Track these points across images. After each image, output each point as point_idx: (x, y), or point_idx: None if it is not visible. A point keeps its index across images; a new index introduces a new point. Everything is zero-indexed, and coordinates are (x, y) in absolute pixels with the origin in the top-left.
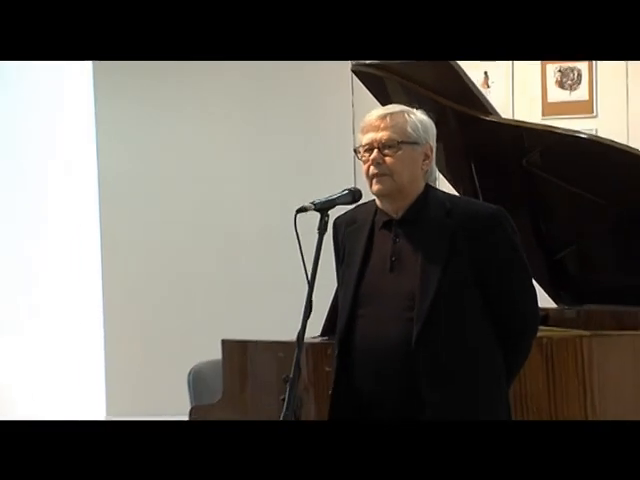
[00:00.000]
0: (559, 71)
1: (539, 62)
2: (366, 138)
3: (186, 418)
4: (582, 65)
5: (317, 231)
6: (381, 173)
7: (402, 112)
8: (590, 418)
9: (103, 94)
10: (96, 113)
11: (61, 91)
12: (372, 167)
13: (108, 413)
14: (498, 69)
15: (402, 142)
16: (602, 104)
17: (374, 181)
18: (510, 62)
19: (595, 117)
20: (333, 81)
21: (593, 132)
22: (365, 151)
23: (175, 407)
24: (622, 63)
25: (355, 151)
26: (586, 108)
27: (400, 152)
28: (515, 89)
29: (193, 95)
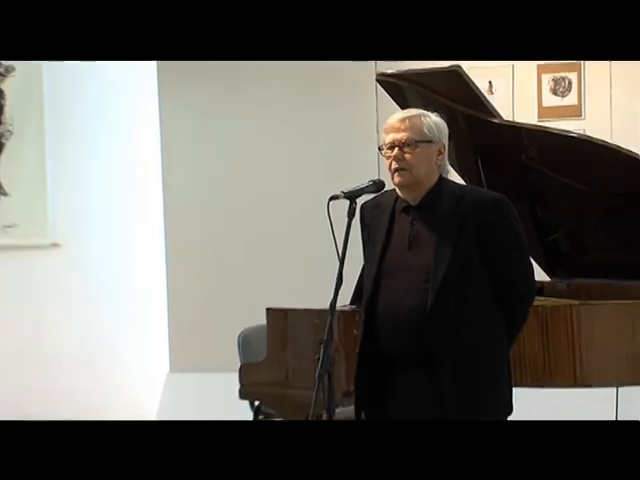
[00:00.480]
0: (552, 80)
1: (536, 72)
2: (388, 138)
3: (236, 374)
4: (572, 75)
5: (347, 215)
6: (401, 168)
7: (419, 115)
8: (578, 374)
9: (166, 94)
10: (160, 108)
11: (129, 91)
12: (394, 162)
13: (171, 370)
14: (500, 78)
15: (419, 141)
16: (589, 108)
17: (395, 174)
18: (511, 72)
19: (583, 119)
20: (360, 89)
21: (581, 131)
22: (388, 149)
23: (228, 364)
24: (606, 73)
25: (379, 149)
26: (575, 111)
27: (417, 150)
28: (515, 95)
29: (242, 98)
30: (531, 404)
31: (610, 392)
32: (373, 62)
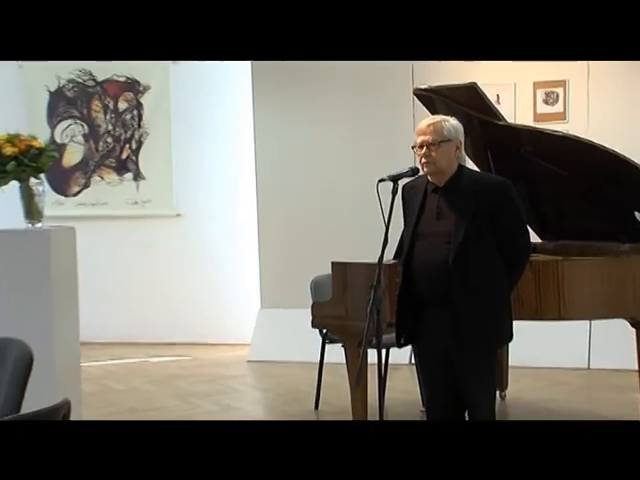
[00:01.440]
0: (545, 93)
1: (532, 87)
2: (418, 139)
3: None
4: (559, 90)
5: (391, 193)
6: (428, 161)
7: (440, 120)
8: (562, 311)
9: (259, 99)
10: (254, 111)
11: (230, 99)
12: (422, 158)
13: (262, 306)
14: (506, 92)
15: (441, 141)
16: (571, 114)
17: (424, 166)
18: (513, 87)
19: (567, 122)
20: (402, 100)
21: (566, 131)
22: (418, 147)
23: (305, 302)
24: (585, 87)
25: (413, 147)
26: (561, 116)
27: (439, 148)
28: (517, 105)
29: (317, 105)
30: (524, 345)
31: (583, 337)
32: (411, 79)
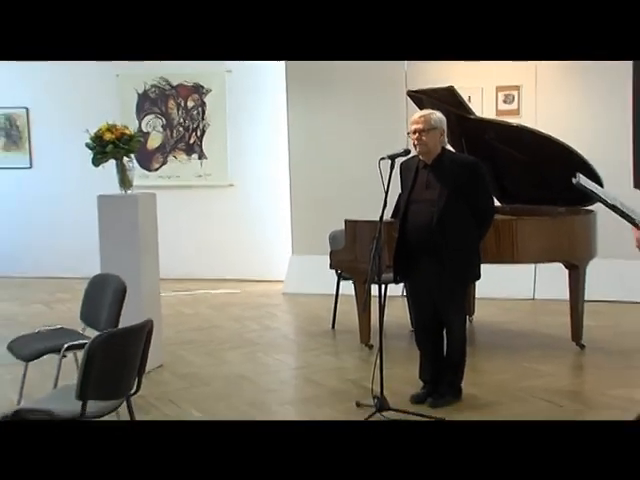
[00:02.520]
0: (504, 95)
1: (494, 90)
2: (412, 127)
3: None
4: (515, 92)
5: (389, 168)
6: (419, 144)
7: (429, 113)
8: (515, 257)
9: (291, 91)
10: (287, 99)
11: (271, 95)
12: (415, 141)
13: (293, 253)
14: (476, 94)
15: (429, 129)
16: (523, 110)
17: (417, 147)
18: (481, 90)
19: (520, 117)
20: (398, 99)
21: (519, 123)
22: (412, 133)
23: (325, 250)
24: (533, 90)
25: (408, 133)
26: (516, 112)
27: (428, 134)
28: (483, 103)
29: (334, 102)
30: (487, 282)
31: (530, 276)
32: (404, 82)
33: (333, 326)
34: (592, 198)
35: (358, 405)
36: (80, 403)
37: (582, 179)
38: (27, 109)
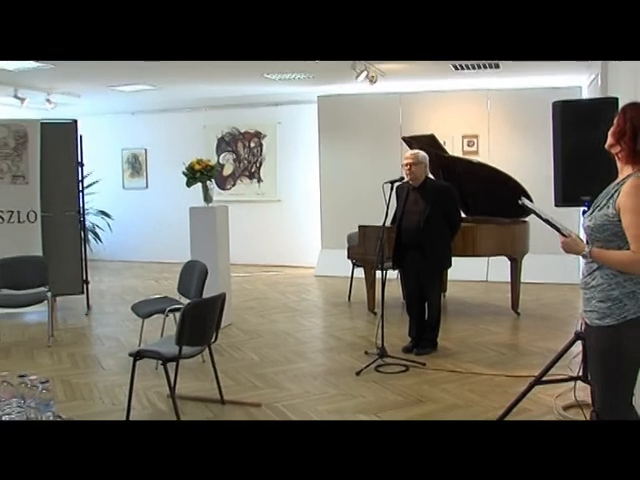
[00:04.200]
0: (467, 141)
1: (461, 137)
2: (405, 161)
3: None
4: (475, 139)
5: (390, 190)
6: (410, 173)
7: (416, 152)
8: (475, 251)
9: (322, 130)
10: (319, 137)
11: (306, 130)
12: (407, 171)
13: (322, 247)
14: (448, 139)
15: (417, 163)
16: (480, 151)
17: (408, 175)
18: (452, 137)
19: (479, 155)
20: (395, 140)
21: (478, 159)
22: (405, 166)
23: (344, 245)
24: (487, 138)
25: (402, 165)
26: (475, 152)
27: (416, 167)
28: (453, 146)
29: (350, 136)
30: (458, 268)
31: (484, 265)
32: (399, 130)
33: (349, 299)
34: (529, 213)
35: (366, 353)
36: (177, 348)
37: (525, 201)
38: (146, 149)
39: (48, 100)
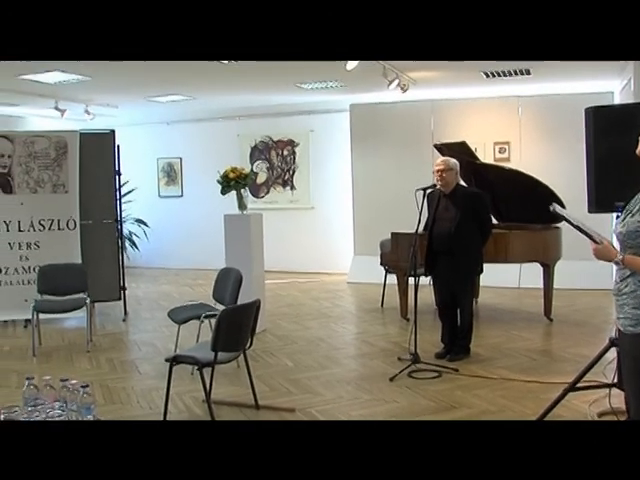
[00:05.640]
0: (499, 147)
1: (492, 144)
2: (436, 168)
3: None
4: (506, 145)
5: (422, 197)
6: (441, 180)
7: (447, 159)
8: (507, 258)
9: (354, 140)
10: (351, 146)
11: (338, 141)
12: (438, 178)
13: (355, 254)
14: (480, 146)
15: (448, 170)
16: (512, 158)
17: (439, 182)
18: (484, 144)
19: (510, 162)
20: (427, 148)
21: (511, 166)
22: (436, 172)
23: (377, 252)
24: (519, 145)
25: (433, 172)
26: (507, 159)
27: (447, 173)
28: (485, 153)
29: (382, 145)
30: (490, 274)
31: (516, 271)
32: (431, 137)
33: (382, 305)
34: (561, 219)
35: (399, 359)
36: (213, 353)
37: (557, 207)
38: (181, 158)
39: (87, 111)
